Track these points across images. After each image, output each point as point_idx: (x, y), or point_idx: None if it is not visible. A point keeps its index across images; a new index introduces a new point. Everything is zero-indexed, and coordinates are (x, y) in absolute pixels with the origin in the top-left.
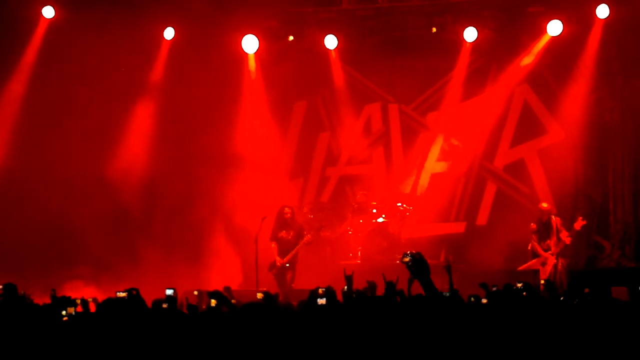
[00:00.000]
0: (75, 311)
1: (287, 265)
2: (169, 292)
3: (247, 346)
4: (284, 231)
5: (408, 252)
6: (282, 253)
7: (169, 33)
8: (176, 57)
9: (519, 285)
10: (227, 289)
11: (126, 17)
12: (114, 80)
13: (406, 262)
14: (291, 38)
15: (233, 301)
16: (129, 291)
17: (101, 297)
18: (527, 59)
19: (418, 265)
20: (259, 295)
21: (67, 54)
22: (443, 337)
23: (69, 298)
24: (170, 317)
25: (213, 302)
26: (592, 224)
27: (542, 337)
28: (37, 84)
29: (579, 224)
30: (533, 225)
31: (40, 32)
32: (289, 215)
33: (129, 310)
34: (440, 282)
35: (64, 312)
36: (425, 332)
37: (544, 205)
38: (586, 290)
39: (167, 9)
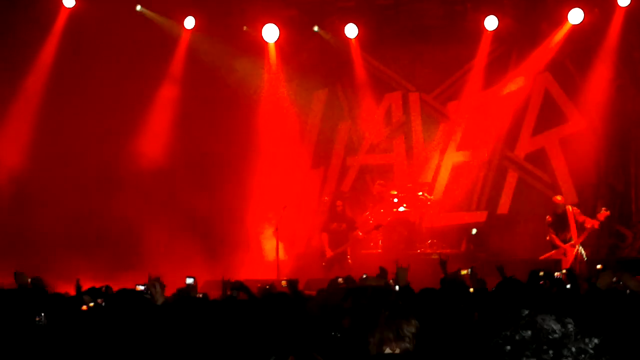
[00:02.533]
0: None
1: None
2: (189, 280)
3: (268, 334)
4: (336, 223)
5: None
6: (333, 245)
7: (189, 22)
8: (197, 47)
9: (541, 274)
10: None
11: (146, 6)
12: (135, 69)
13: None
14: (316, 29)
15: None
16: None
17: (118, 287)
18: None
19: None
20: (283, 283)
21: (88, 44)
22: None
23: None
24: (192, 305)
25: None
26: (613, 213)
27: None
28: (57, 73)
29: (603, 214)
30: (548, 218)
31: (60, 22)
32: (340, 208)
33: (145, 303)
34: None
35: (90, 304)
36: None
37: (558, 198)
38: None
39: None
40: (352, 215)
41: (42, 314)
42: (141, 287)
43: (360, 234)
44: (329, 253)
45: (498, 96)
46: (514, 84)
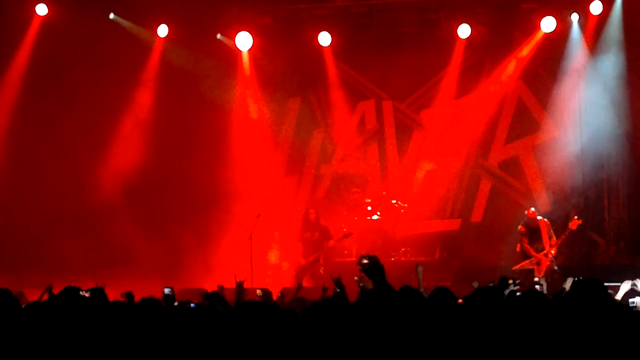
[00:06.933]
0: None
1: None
2: (167, 290)
3: (246, 346)
4: (309, 232)
5: (365, 255)
6: (307, 254)
7: (162, 30)
8: (170, 55)
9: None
10: (221, 287)
11: (120, 15)
12: (108, 77)
13: (363, 265)
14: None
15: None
16: (92, 290)
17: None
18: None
19: (374, 268)
20: (258, 292)
21: (61, 52)
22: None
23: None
24: (163, 315)
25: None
26: (586, 221)
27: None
28: (30, 81)
29: (575, 223)
30: (522, 228)
31: (33, 29)
32: (313, 216)
33: (90, 308)
34: (435, 278)
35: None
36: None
37: (530, 210)
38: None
39: (161, 6)
40: (326, 224)
41: None
42: (85, 293)
43: (332, 243)
44: (301, 261)
45: (471, 104)
46: (487, 92)
